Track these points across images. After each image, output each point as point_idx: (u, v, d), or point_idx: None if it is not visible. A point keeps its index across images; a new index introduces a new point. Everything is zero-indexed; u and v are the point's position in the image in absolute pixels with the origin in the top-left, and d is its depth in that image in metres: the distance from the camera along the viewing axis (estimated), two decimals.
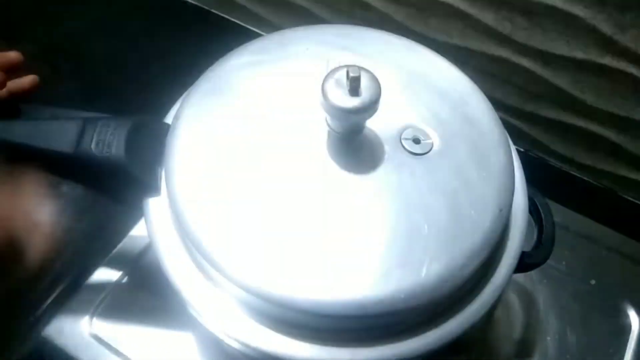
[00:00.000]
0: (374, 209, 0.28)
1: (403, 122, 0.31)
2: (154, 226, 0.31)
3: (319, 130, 0.30)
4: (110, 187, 0.33)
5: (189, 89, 0.34)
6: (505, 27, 0.46)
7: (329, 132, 0.30)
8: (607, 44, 0.43)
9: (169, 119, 0.34)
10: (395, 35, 0.37)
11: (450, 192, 0.29)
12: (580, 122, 0.50)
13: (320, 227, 0.28)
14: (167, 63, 0.60)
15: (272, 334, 0.28)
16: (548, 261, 0.34)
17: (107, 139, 0.30)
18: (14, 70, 0.35)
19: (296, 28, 0.37)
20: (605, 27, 0.42)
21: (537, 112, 0.52)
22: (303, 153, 0.30)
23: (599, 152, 0.51)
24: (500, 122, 0.33)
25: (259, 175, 0.29)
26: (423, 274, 0.27)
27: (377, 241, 0.27)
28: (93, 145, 0.30)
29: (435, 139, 0.31)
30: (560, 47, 0.45)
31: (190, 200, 0.29)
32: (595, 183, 0.53)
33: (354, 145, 0.30)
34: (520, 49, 0.47)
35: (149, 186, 0.32)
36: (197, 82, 0.34)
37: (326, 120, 0.29)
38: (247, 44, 0.35)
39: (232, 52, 0.35)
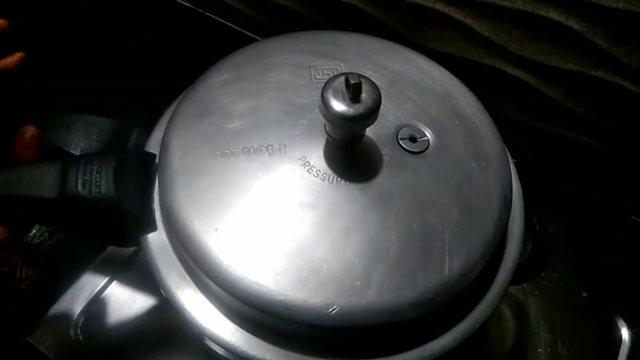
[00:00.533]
0: (386, 213, 0.28)
1: (396, 122, 0.31)
2: (155, 259, 0.30)
3: (314, 142, 0.30)
4: (104, 229, 0.31)
5: (173, 111, 0.33)
6: (500, 38, 0.47)
7: (327, 141, 0.29)
8: (601, 57, 0.43)
9: (154, 137, 0.33)
10: (370, 37, 0.36)
11: (456, 186, 0.29)
12: (573, 134, 0.50)
13: (339, 240, 0.27)
14: (163, 67, 0.59)
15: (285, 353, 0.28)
16: None
17: (93, 179, 0.29)
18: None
19: (270, 38, 0.37)
20: (600, 41, 0.42)
21: (529, 123, 0.52)
22: (301, 168, 0.29)
23: (591, 164, 0.51)
24: (486, 111, 0.33)
25: (259, 198, 0.28)
26: (447, 271, 0.27)
27: (396, 245, 0.27)
28: (79, 187, 0.28)
29: (430, 135, 0.31)
30: (554, 59, 0.45)
31: (193, 225, 0.28)
32: (587, 195, 0.54)
33: (353, 152, 0.30)
34: (514, 59, 0.47)
35: (144, 221, 0.30)
36: (179, 105, 0.32)
37: (325, 130, 0.29)
38: (225, 59, 0.35)
39: (210, 69, 0.34)
